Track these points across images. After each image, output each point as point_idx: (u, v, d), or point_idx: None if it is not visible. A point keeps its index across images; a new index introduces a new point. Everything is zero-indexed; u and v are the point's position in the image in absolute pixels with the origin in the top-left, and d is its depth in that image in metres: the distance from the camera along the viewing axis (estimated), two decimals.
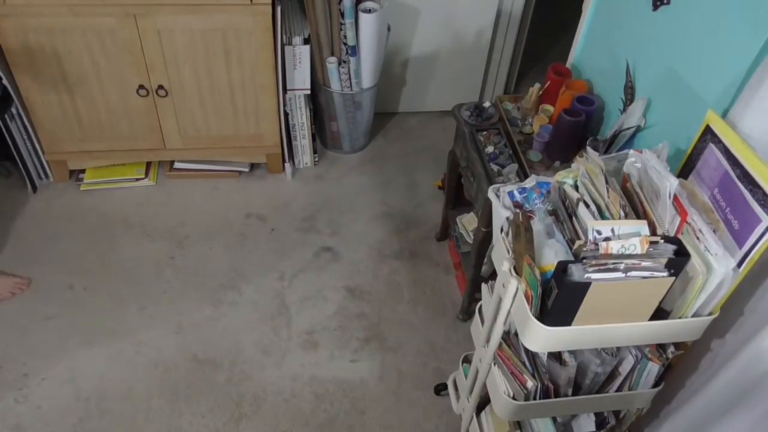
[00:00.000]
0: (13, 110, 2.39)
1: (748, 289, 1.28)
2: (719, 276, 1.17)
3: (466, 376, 1.71)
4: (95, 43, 2.21)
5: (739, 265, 1.20)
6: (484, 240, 1.94)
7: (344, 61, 2.52)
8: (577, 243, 1.20)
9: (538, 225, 1.31)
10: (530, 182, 1.45)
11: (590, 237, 1.18)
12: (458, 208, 2.37)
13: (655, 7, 1.64)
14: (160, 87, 2.36)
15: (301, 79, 2.53)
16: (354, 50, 2.48)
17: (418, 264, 2.45)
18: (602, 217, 1.25)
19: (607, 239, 1.17)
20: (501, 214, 1.40)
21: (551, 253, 1.25)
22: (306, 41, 2.44)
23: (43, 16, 2.12)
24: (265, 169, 2.78)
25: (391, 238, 2.54)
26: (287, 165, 2.73)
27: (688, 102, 1.53)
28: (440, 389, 2.04)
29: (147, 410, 1.96)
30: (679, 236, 1.21)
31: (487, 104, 2.07)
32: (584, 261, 1.14)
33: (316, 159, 2.83)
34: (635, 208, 1.27)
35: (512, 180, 1.83)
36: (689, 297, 1.22)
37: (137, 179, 2.65)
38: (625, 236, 1.17)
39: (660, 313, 1.28)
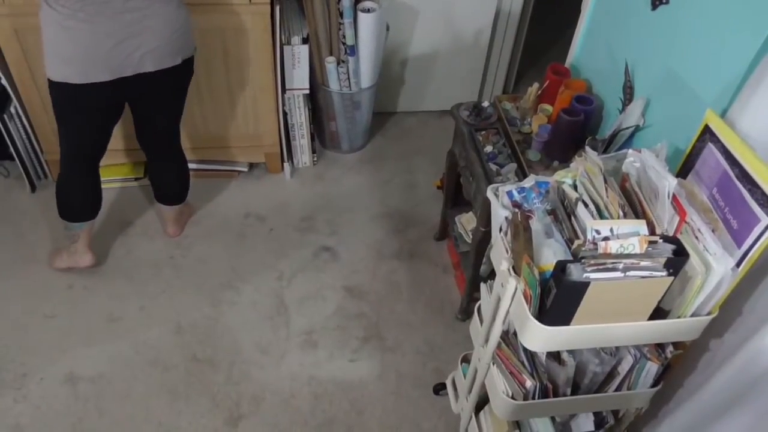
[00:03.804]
0: (12, 110, 2.39)
1: (746, 288, 1.28)
2: (718, 275, 1.17)
3: (464, 376, 1.71)
4: None
5: (738, 264, 1.20)
6: (483, 240, 1.94)
7: (343, 61, 2.51)
8: (576, 242, 1.20)
9: (536, 225, 1.31)
10: (529, 182, 1.45)
11: (589, 236, 1.18)
12: (457, 208, 2.37)
13: (654, 6, 1.64)
14: None
15: (299, 78, 2.53)
16: (353, 50, 2.47)
17: (416, 264, 2.45)
18: (601, 216, 1.25)
19: (605, 239, 1.17)
20: (500, 213, 1.40)
21: (550, 253, 1.25)
22: (305, 41, 2.44)
23: None
24: (264, 168, 2.78)
25: (390, 237, 2.54)
26: (286, 165, 2.73)
27: (686, 101, 1.53)
28: (439, 389, 2.04)
29: (146, 410, 1.96)
30: (678, 236, 1.21)
31: (485, 104, 2.07)
32: (583, 261, 1.14)
33: (315, 159, 2.83)
34: (634, 208, 1.27)
35: (511, 180, 1.83)
36: (688, 296, 1.22)
37: (136, 179, 2.64)
38: (624, 236, 1.17)
39: (659, 313, 1.28)
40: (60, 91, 1.83)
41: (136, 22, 1.73)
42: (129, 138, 2.50)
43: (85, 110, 1.91)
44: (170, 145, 2.18)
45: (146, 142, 2.16)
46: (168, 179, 2.28)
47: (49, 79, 1.82)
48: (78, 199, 2.14)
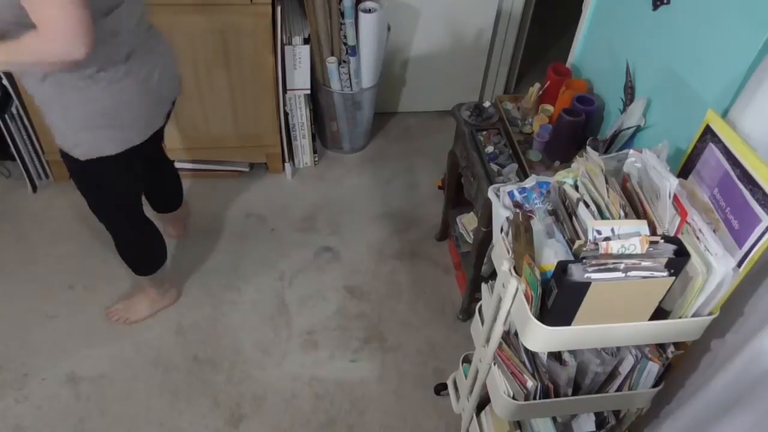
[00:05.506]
0: (13, 110, 2.39)
1: (747, 289, 1.28)
2: (719, 276, 1.17)
3: (466, 376, 1.71)
4: None
5: (739, 264, 1.20)
6: (484, 240, 1.94)
7: (344, 61, 2.52)
8: (577, 243, 1.20)
9: (538, 225, 1.31)
10: (530, 182, 1.45)
11: (590, 237, 1.18)
12: (458, 208, 2.37)
13: (655, 6, 1.64)
14: None
15: (301, 79, 2.53)
16: (354, 50, 2.48)
17: (418, 264, 2.45)
18: (602, 217, 1.25)
19: (607, 239, 1.17)
20: (501, 214, 1.40)
21: (551, 253, 1.25)
22: (306, 41, 2.44)
23: None
24: (265, 169, 2.78)
25: (391, 237, 2.54)
26: (287, 165, 2.73)
27: (688, 102, 1.53)
28: (440, 389, 2.04)
29: (147, 410, 1.96)
30: (679, 236, 1.21)
31: (487, 104, 2.07)
32: (584, 261, 1.14)
33: (316, 159, 2.83)
34: (635, 208, 1.27)
35: (512, 180, 1.83)
36: (689, 297, 1.22)
37: None
38: (625, 236, 1.17)
39: (660, 313, 1.28)
40: (114, 162, 1.56)
41: (164, 48, 1.62)
42: None
43: (139, 160, 1.70)
44: (163, 152, 2.12)
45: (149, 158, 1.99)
46: (166, 187, 2.22)
47: (93, 159, 1.53)
48: (158, 245, 2.00)
